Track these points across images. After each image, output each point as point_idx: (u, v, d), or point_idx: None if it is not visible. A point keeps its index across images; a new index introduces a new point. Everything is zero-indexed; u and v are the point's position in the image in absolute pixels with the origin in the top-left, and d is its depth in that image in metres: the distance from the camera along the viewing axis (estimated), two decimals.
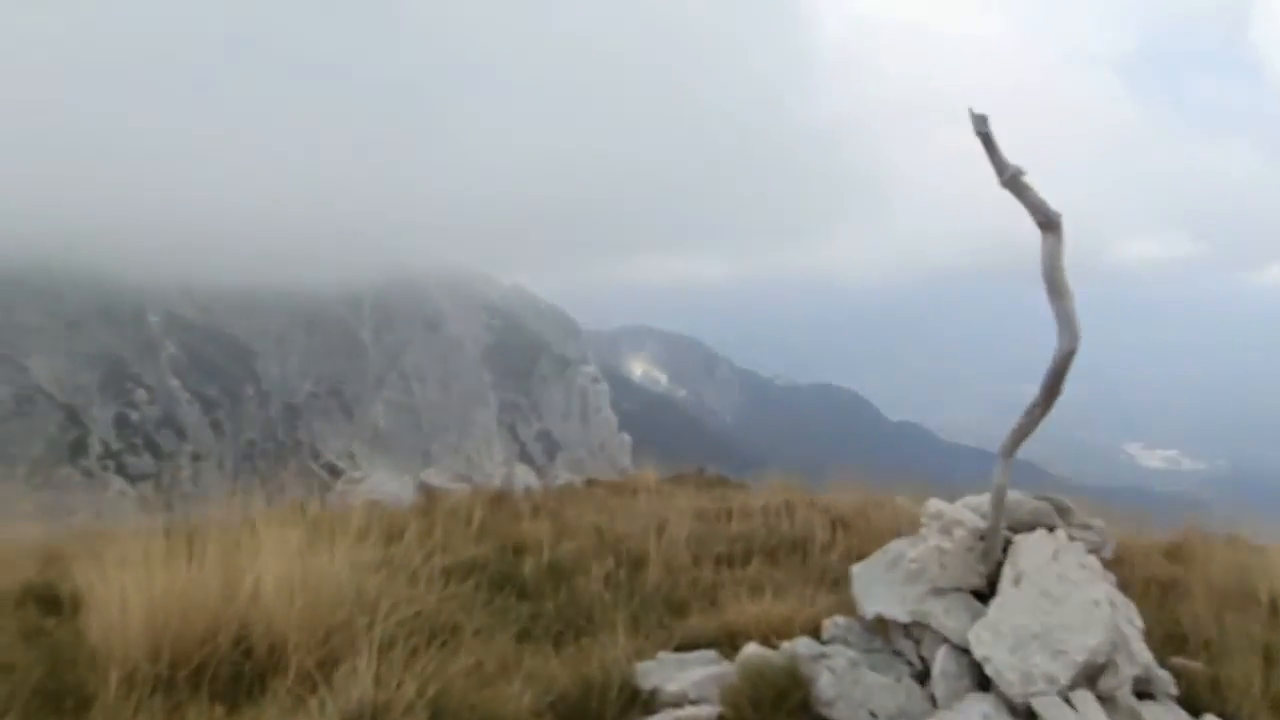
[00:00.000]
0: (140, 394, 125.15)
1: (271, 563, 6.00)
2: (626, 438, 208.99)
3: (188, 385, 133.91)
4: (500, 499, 12.76)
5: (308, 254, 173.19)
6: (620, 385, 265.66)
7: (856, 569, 6.94)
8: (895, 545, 6.90)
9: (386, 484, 13.63)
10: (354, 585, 6.47)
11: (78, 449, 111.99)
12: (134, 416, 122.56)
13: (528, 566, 8.96)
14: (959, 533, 6.24)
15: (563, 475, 16.69)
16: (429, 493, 13.45)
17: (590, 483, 15.26)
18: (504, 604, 7.82)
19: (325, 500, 12.92)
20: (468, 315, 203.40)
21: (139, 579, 5.73)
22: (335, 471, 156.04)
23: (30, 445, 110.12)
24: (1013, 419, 6.24)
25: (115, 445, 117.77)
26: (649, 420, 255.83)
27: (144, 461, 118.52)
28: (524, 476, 14.92)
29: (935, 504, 6.60)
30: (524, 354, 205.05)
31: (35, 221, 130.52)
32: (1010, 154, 5.88)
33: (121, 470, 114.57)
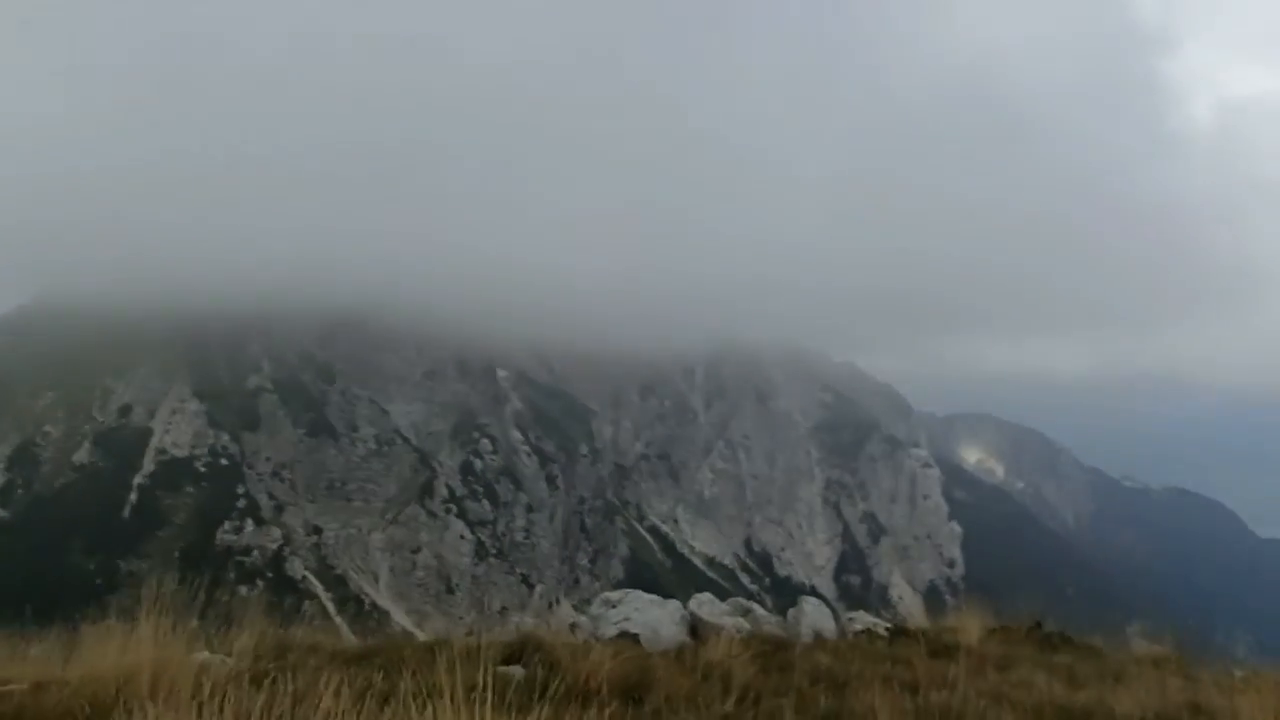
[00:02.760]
0: (485, 444, 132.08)
1: None
2: (957, 528, 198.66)
3: (528, 439, 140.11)
4: (777, 651, 10.40)
5: (648, 321, 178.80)
6: (952, 473, 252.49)
7: None
8: None
9: (647, 611, 11.09)
10: None
11: (426, 491, 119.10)
12: (478, 465, 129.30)
13: None
14: None
15: (860, 620, 12.51)
16: (695, 629, 11.18)
17: (895, 634, 12.17)
18: None
19: (578, 624, 11.25)
20: (799, 389, 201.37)
21: None
22: (659, 535, 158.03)
23: (386, 484, 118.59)
24: None
25: (460, 491, 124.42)
26: (982, 512, 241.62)
27: (483, 508, 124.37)
28: (815, 617, 12.01)
29: None
30: (853, 432, 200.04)
31: (404, 278, 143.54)
32: None
33: (463, 514, 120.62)
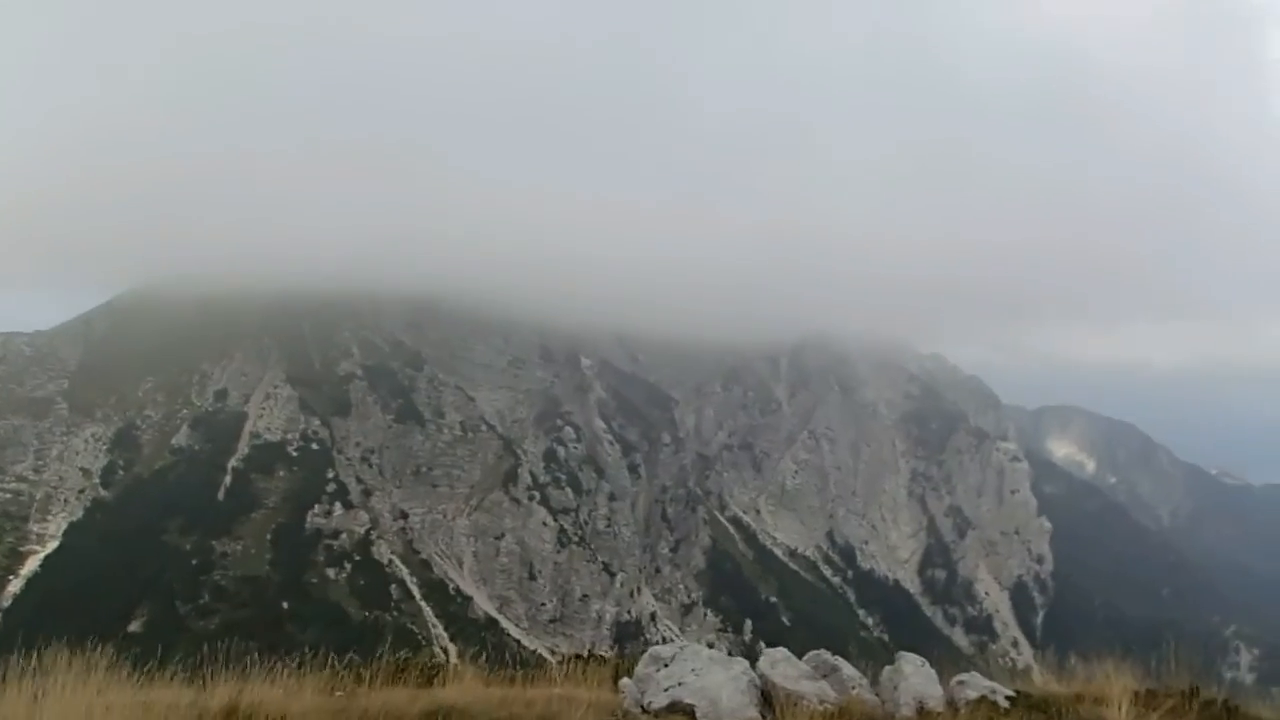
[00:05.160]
0: (569, 432, 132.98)
1: None
2: (1046, 523, 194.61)
3: (611, 428, 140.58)
4: None
5: (731, 311, 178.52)
6: (1041, 467, 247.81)
7: None
8: None
9: (707, 674, 9.21)
10: None
11: (510, 477, 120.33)
12: (561, 453, 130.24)
13: None
14: None
15: (973, 685, 9.98)
16: (767, 697, 9.28)
17: (1019, 704, 9.99)
18: None
19: (623, 686, 9.53)
20: (884, 381, 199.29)
21: None
22: (741, 525, 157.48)
23: (471, 470, 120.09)
24: None
25: (543, 478, 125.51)
26: (1072, 507, 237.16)
27: (565, 495, 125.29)
28: (916, 681, 9.82)
29: None
30: (940, 425, 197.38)
31: (490, 269, 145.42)
32: None
33: (545, 501, 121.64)
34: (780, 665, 9.64)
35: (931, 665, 10.23)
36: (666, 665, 9.54)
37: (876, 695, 9.78)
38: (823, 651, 10.36)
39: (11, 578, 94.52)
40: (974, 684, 10.09)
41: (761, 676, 9.45)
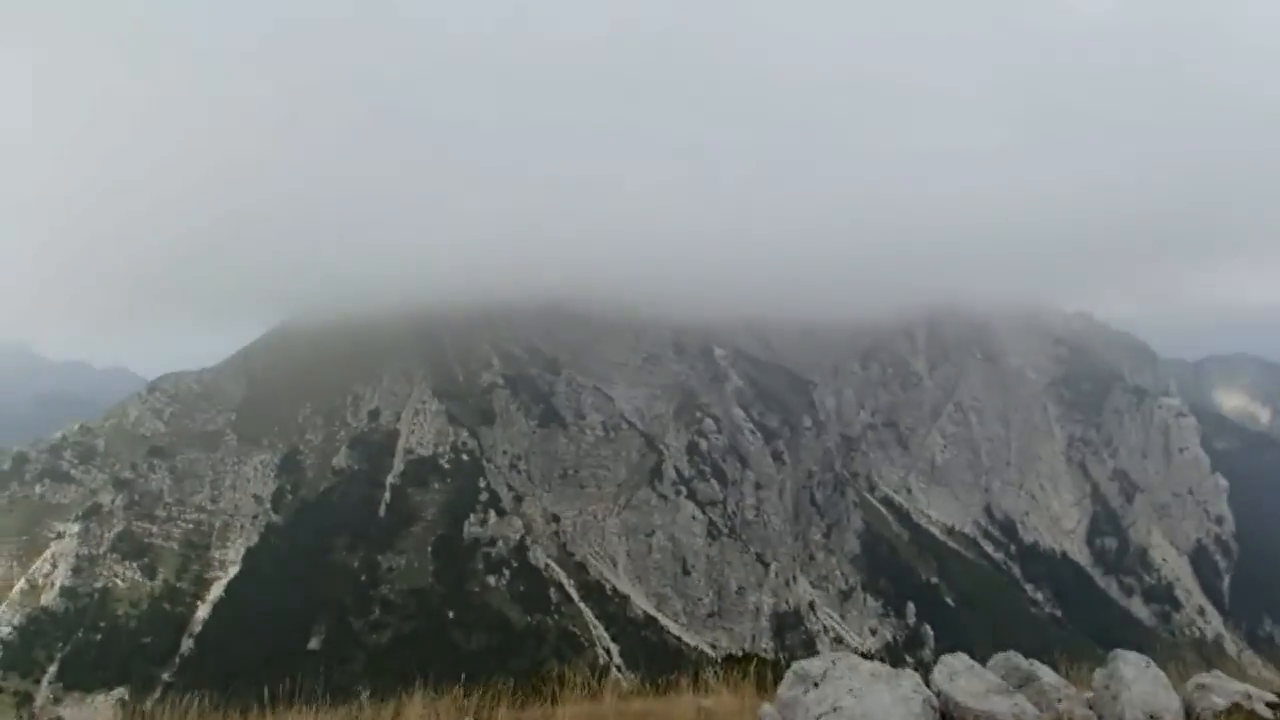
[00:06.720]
0: (709, 424, 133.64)
1: None
2: (1222, 481, 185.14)
3: (751, 416, 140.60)
4: None
5: (861, 286, 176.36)
6: (1210, 421, 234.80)
7: None
8: None
9: (868, 694, 7.17)
10: None
11: (655, 473, 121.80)
12: (703, 445, 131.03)
13: None
14: None
15: (1219, 689, 7.73)
16: None
17: None
18: None
19: (762, 715, 7.72)
20: (1029, 345, 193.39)
21: None
22: (893, 506, 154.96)
23: (616, 468, 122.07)
24: None
25: (688, 472, 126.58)
26: (1249, 462, 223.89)
27: (711, 488, 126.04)
28: (1142, 688, 7.63)
29: None
30: (1094, 385, 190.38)
31: (618, 269, 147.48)
32: None
33: (692, 495, 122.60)
34: (962, 678, 7.70)
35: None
36: (816, 685, 7.57)
37: (1091, 709, 7.86)
38: (1012, 654, 8.38)
39: (199, 603, 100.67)
40: (1221, 688, 8.05)
41: (939, 694, 7.57)
